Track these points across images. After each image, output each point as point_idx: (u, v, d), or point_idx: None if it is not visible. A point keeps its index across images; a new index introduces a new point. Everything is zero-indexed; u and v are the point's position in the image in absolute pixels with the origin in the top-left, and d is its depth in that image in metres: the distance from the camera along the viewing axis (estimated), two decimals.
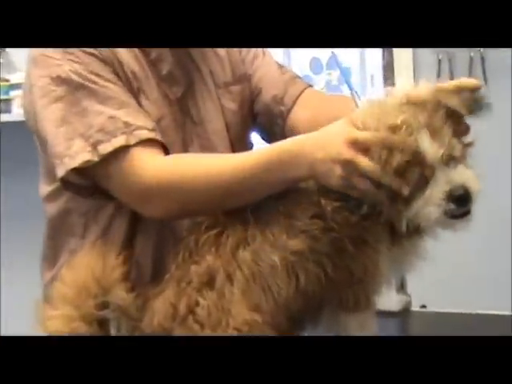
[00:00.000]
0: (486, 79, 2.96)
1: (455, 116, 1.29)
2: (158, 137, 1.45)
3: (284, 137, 1.46)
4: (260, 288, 1.34)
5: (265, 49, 1.72)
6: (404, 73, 2.95)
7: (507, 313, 2.00)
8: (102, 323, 1.34)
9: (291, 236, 1.33)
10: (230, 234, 1.36)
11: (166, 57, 1.54)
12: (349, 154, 1.27)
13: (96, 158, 1.39)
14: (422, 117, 1.27)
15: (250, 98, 1.67)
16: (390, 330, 1.96)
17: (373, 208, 1.31)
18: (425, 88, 1.31)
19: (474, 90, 1.29)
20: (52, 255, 1.59)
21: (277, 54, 3.08)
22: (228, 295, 1.33)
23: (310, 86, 1.71)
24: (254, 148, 1.72)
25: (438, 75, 3.01)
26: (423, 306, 2.25)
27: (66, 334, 1.30)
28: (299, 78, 1.73)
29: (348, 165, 1.27)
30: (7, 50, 3.60)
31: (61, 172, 1.42)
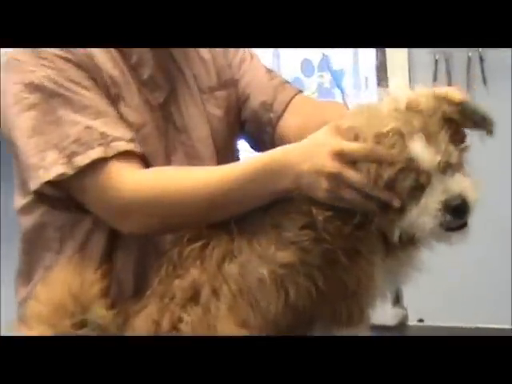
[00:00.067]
0: (485, 80, 2.92)
1: (453, 122, 1.27)
2: (137, 148, 1.42)
3: (273, 145, 1.45)
4: (247, 303, 1.30)
5: (253, 52, 1.69)
6: (399, 73, 2.90)
7: (507, 326, 1.98)
8: None
9: (280, 248, 1.31)
10: (216, 245, 1.34)
11: (147, 60, 1.50)
12: (334, 166, 1.25)
13: (71, 171, 1.37)
14: (416, 121, 1.24)
15: (236, 104, 1.64)
16: None
17: (365, 217, 1.28)
18: (424, 95, 1.28)
19: (458, 103, 1.27)
20: (27, 271, 1.56)
21: (266, 55, 3.05)
22: (214, 311, 1.30)
23: (301, 91, 1.68)
24: (241, 156, 1.70)
25: (435, 76, 2.97)
26: (420, 320, 2.21)
27: (67, 334, 1.28)
28: (289, 83, 1.69)
29: (334, 178, 1.25)
30: None
31: (34, 185, 1.39)
